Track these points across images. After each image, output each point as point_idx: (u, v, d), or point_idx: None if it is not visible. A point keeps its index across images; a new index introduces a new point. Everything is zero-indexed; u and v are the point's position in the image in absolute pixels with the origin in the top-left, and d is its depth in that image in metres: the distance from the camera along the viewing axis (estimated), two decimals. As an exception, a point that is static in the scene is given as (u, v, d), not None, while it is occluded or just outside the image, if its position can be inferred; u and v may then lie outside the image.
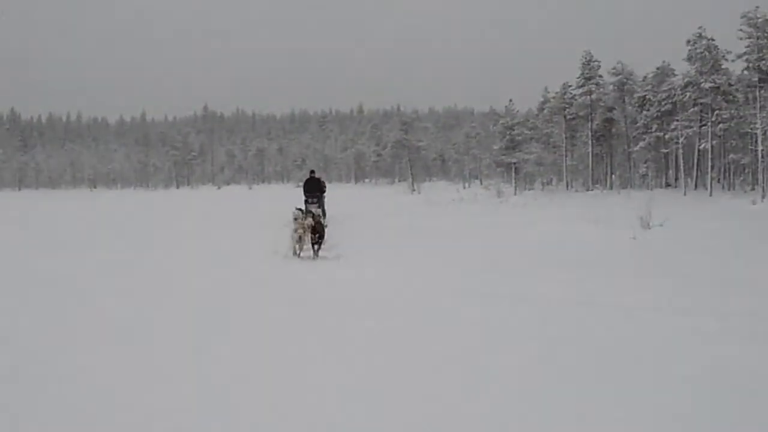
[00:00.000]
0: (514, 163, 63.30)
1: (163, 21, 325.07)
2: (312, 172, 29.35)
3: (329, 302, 12.86)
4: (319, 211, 24.96)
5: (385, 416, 6.88)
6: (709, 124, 49.17)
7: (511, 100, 74.04)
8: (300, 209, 22.40)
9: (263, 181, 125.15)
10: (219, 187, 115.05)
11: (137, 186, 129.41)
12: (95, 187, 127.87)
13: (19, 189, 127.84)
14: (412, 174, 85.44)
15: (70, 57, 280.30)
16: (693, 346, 9.38)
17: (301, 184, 29.28)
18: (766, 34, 43.69)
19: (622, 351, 9.20)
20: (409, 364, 8.44)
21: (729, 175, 52.43)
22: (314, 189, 27.44)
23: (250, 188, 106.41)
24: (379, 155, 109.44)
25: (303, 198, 27.61)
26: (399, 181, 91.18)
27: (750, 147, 46.34)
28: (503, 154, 64.80)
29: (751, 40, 44.82)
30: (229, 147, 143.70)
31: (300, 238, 16.57)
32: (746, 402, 6.77)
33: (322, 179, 29.05)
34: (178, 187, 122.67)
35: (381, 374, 8.19)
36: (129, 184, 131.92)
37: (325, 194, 28.62)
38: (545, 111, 67.53)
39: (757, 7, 43.83)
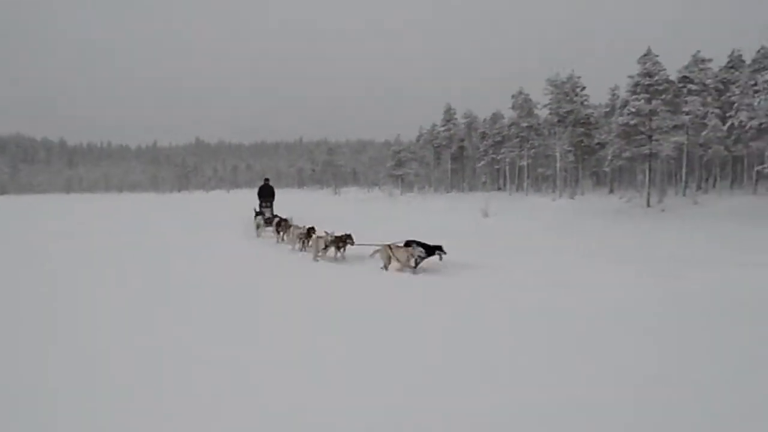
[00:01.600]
0: (401, 175, 67.44)
1: (171, 71, 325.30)
2: (266, 179, 26.54)
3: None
4: (272, 211, 24.32)
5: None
6: (525, 149, 51.78)
7: (399, 135, 76.97)
8: (259, 213, 24.37)
9: (237, 187, 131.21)
10: (208, 191, 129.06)
11: (151, 191, 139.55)
12: (121, 192, 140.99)
13: (68, 193, 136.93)
14: (335, 183, 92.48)
15: (101, 96, 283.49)
16: (504, 288, 11.22)
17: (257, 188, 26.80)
18: (562, 91, 46.24)
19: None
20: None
21: (538, 182, 55.40)
22: (268, 194, 25.16)
23: (228, 192, 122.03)
24: (313, 170, 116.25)
25: (258, 201, 25.69)
26: (326, 187, 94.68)
27: (552, 164, 49.16)
28: (393, 170, 68.30)
29: (552, 95, 46.98)
30: (214, 164, 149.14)
31: (326, 247, 15.70)
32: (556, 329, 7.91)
33: (273, 187, 26.50)
34: (179, 192, 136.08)
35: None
36: (145, 190, 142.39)
37: (275, 199, 25.84)
38: (420, 141, 70.72)
39: (558, 72, 46.97)
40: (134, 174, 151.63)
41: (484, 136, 58.80)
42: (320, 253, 15.73)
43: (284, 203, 32.33)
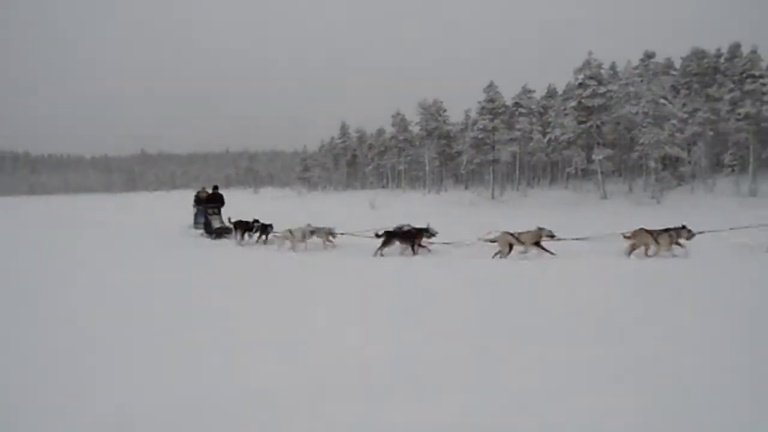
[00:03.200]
0: (307, 177, 67.76)
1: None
2: (215, 187, 21.15)
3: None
4: (220, 217, 19.15)
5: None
6: (402, 157, 52.94)
7: (305, 145, 77.05)
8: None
9: (175, 189, 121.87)
10: (152, 192, 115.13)
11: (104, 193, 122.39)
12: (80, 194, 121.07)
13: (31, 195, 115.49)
14: (255, 183, 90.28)
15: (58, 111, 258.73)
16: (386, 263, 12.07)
17: (200, 194, 21.14)
18: (429, 113, 47.51)
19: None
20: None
21: (413, 182, 56.10)
22: (217, 201, 20.00)
23: (168, 192, 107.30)
24: (237, 173, 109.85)
25: (202, 208, 20.04)
26: (249, 187, 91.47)
27: (422, 168, 50.30)
28: (301, 173, 68.82)
29: (422, 116, 48.39)
30: (156, 171, 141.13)
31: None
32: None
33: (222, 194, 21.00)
34: (129, 192, 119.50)
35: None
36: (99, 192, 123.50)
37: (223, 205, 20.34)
38: (322, 150, 70.95)
39: (425, 98, 48.42)
40: (89, 180, 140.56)
41: (371, 147, 59.71)
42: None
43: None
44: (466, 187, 46.41)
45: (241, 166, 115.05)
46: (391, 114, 54.79)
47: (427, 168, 49.55)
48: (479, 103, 39.54)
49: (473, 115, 42.13)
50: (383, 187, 57.76)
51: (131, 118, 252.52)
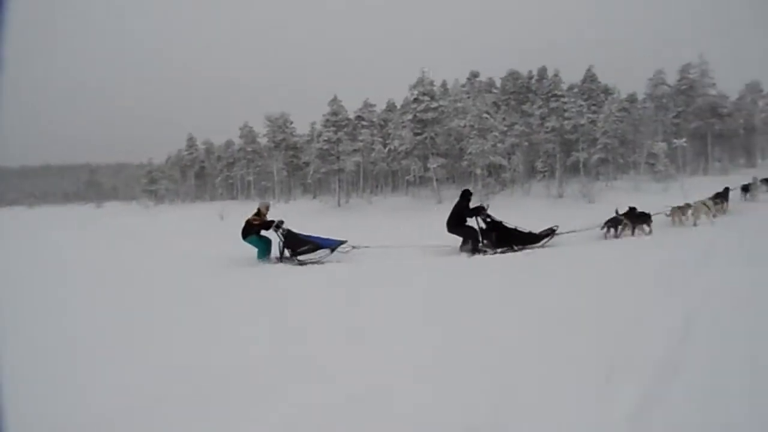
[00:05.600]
0: (154, 190, 62.16)
1: None
2: None
3: None
4: None
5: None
6: (251, 168, 51.33)
7: (150, 158, 70.76)
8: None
9: None
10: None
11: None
12: None
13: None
14: (98, 198, 78.89)
15: None
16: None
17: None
18: (276, 125, 46.62)
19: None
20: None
21: (262, 192, 54.23)
22: None
23: None
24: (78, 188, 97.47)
25: None
26: (89, 203, 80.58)
27: (271, 178, 48.77)
28: (147, 186, 63.03)
29: (269, 128, 47.50)
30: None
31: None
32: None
33: None
34: None
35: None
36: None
37: None
38: (168, 163, 66.18)
39: (272, 112, 47.26)
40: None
41: (219, 158, 56.91)
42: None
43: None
44: (314, 196, 45.92)
45: (81, 179, 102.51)
46: (239, 126, 52.88)
47: (276, 178, 47.88)
48: (324, 115, 38.86)
49: (318, 127, 42.03)
50: (233, 198, 55.42)
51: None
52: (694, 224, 13.29)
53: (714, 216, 13.65)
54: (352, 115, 41.53)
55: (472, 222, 11.89)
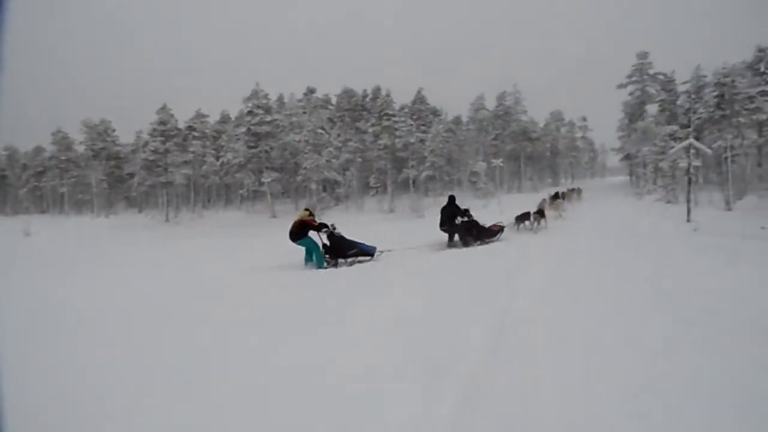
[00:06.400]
0: None
1: None
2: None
3: None
4: None
5: None
6: (66, 178, 45.71)
7: None
8: None
9: None
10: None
11: None
12: None
13: None
14: None
15: None
16: None
17: None
18: (96, 132, 42.27)
19: None
20: None
21: (79, 205, 49.04)
22: None
23: None
24: None
25: None
26: None
27: (89, 190, 43.93)
28: None
29: (87, 135, 42.80)
30: None
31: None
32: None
33: None
34: None
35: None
36: None
37: None
38: None
39: (90, 117, 42.97)
40: None
41: (25, 167, 50.11)
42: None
43: None
44: (140, 210, 42.54)
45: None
46: (50, 131, 47.07)
47: (95, 190, 43.22)
48: (151, 124, 36.38)
49: (145, 136, 39.15)
50: (42, 212, 49.24)
51: None
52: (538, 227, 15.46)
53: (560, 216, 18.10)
54: (182, 125, 39.28)
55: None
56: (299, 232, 10.63)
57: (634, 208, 23.24)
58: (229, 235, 25.09)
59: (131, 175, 41.52)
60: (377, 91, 42.57)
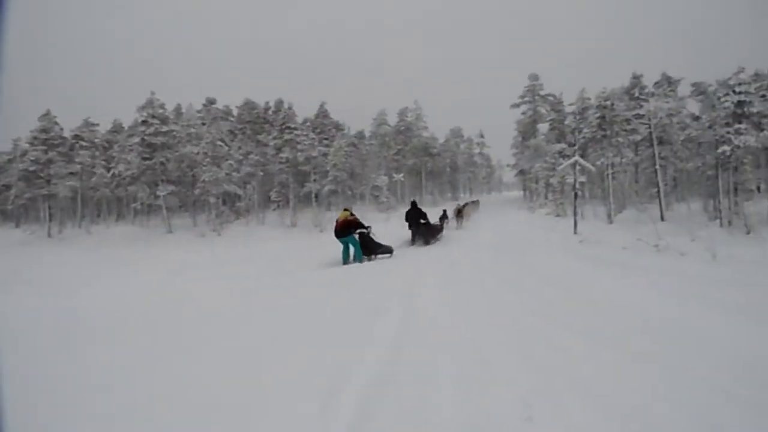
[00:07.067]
0: None
1: None
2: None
3: None
4: None
5: None
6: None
7: None
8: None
9: None
10: None
11: None
12: None
13: None
14: None
15: None
16: None
17: None
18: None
19: None
20: None
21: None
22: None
23: None
24: None
25: None
26: None
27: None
28: None
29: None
30: None
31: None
32: None
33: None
34: None
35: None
36: None
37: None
38: None
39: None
40: None
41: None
42: None
43: None
44: (17, 225, 39.13)
45: None
46: None
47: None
48: (31, 132, 33.74)
49: (24, 144, 36.19)
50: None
51: None
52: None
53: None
54: (68, 134, 36.68)
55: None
56: (344, 229, 12.30)
57: (528, 221, 25.03)
58: (120, 252, 23.90)
59: (7, 187, 38.18)
60: (279, 103, 42.19)
